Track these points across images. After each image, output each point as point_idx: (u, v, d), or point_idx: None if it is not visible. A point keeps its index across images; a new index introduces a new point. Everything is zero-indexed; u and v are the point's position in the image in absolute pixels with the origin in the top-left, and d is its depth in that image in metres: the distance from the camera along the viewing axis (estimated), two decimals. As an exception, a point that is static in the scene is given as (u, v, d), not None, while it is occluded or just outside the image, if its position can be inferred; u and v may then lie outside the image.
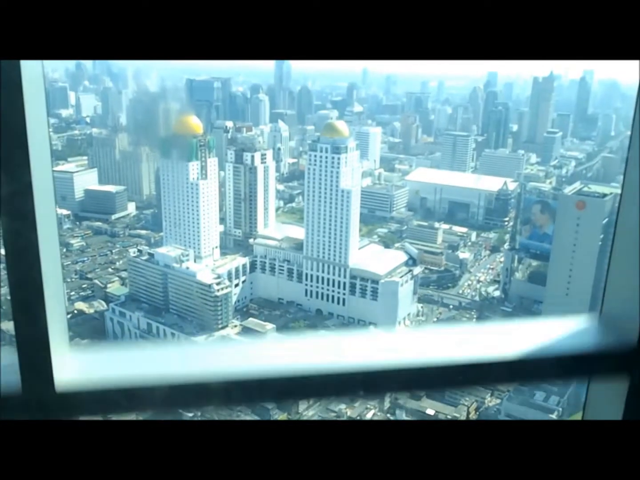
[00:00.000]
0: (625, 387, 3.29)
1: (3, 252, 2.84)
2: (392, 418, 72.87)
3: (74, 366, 3.10)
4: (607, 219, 78.49)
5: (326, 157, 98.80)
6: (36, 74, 2.81)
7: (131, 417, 3.36)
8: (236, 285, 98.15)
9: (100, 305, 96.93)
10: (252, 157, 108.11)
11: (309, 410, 77.37)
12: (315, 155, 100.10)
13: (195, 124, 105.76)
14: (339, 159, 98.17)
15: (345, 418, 71.56)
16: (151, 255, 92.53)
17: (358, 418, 72.10)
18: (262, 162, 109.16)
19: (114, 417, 3.16)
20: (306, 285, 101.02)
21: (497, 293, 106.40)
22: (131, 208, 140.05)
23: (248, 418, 63.59)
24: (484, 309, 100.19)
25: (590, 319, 3.55)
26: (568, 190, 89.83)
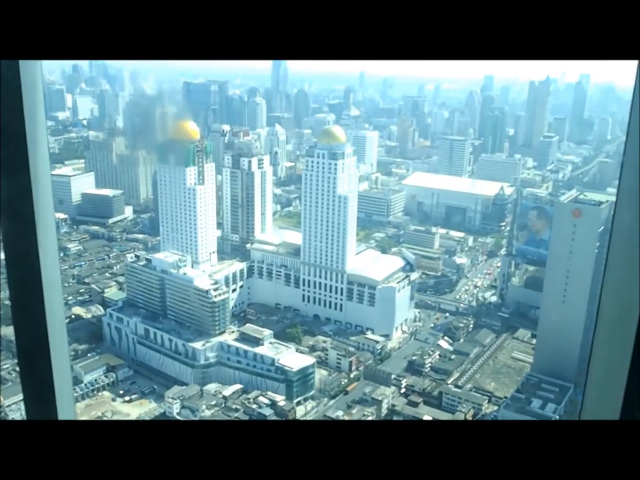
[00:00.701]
0: (622, 387, 3.35)
1: (2, 256, 2.88)
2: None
3: None
4: (603, 227, 78.56)
5: (323, 163, 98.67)
6: (35, 79, 2.82)
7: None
8: (233, 290, 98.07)
9: (97, 310, 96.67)
10: (249, 162, 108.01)
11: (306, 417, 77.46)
12: (312, 161, 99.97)
13: (192, 129, 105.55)
14: (335, 164, 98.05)
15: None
16: (148, 260, 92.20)
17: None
18: (259, 168, 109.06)
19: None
20: (304, 290, 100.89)
21: (494, 298, 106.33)
22: (128, 212, 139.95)
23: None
24: (481, 314, 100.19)
25: None
26: (564, 197, 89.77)
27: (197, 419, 71.85)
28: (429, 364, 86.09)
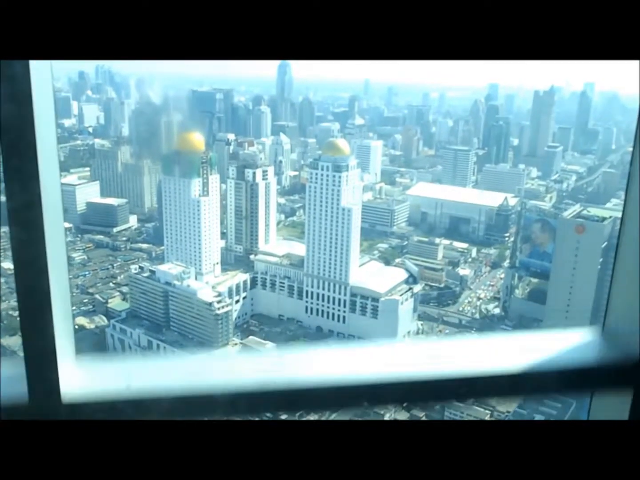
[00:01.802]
0: (630, 386, 3.33)
1: (4, 265, 2.93)
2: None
3: (81, 377, 3.11)
4: (606, 243, 78.57)
5: (327, 176, 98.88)
6: (46, 85, 2.84)
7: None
8: (237, 301, 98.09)
9: (101, 320, 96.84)
10: (254, 173, 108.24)
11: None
12: (317, 174, 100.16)
13: (198, 140, 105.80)
14: (339, 177, 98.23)
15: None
16: (152, 272, 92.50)
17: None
18: (263, 179, 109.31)
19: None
20: (307, 302, 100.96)
21: (497, 311, 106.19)
22: (133, 221, 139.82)
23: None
24: (484, 327, 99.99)
25: (592, 333, 3.55)
26: (567, 213, 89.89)
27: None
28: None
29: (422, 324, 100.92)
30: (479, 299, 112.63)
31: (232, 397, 3.19)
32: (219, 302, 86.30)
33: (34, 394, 3.02)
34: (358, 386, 3.26)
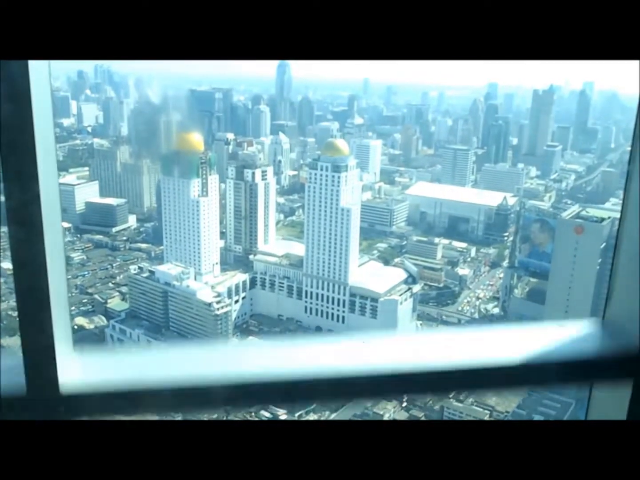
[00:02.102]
0: (629, 386, 3.31)
1: (4, 265, 2.93)
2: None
3: (79, 369, 3.11)
4: (604, 244, 78.69)
5: (326, 176, 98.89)
6: (44, 84, 2.83)
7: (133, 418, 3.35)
8: (236, 301, 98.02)
9: (100, 320, 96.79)
10: (253, 173, 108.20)
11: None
12: (316, 174, 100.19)
13: (197, 140, 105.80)
14: (339, 177, 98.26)
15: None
16: (152, 272, 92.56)
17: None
18: (262, 179, 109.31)
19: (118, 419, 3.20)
20: (306, 302, 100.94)
21: (496, 310, 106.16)
22: (132, 221, 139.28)
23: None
24: (483, 327, 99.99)
25: (592, 324, 3.53)
26: (566, 214, 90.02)
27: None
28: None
29: (421, 324, 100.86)
30: (478, 298, 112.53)
31: (230, 390, 3.18)
32: (218, 302, 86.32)
33: (32, 386, 3.01)
34: (358, 378, 3.24)
